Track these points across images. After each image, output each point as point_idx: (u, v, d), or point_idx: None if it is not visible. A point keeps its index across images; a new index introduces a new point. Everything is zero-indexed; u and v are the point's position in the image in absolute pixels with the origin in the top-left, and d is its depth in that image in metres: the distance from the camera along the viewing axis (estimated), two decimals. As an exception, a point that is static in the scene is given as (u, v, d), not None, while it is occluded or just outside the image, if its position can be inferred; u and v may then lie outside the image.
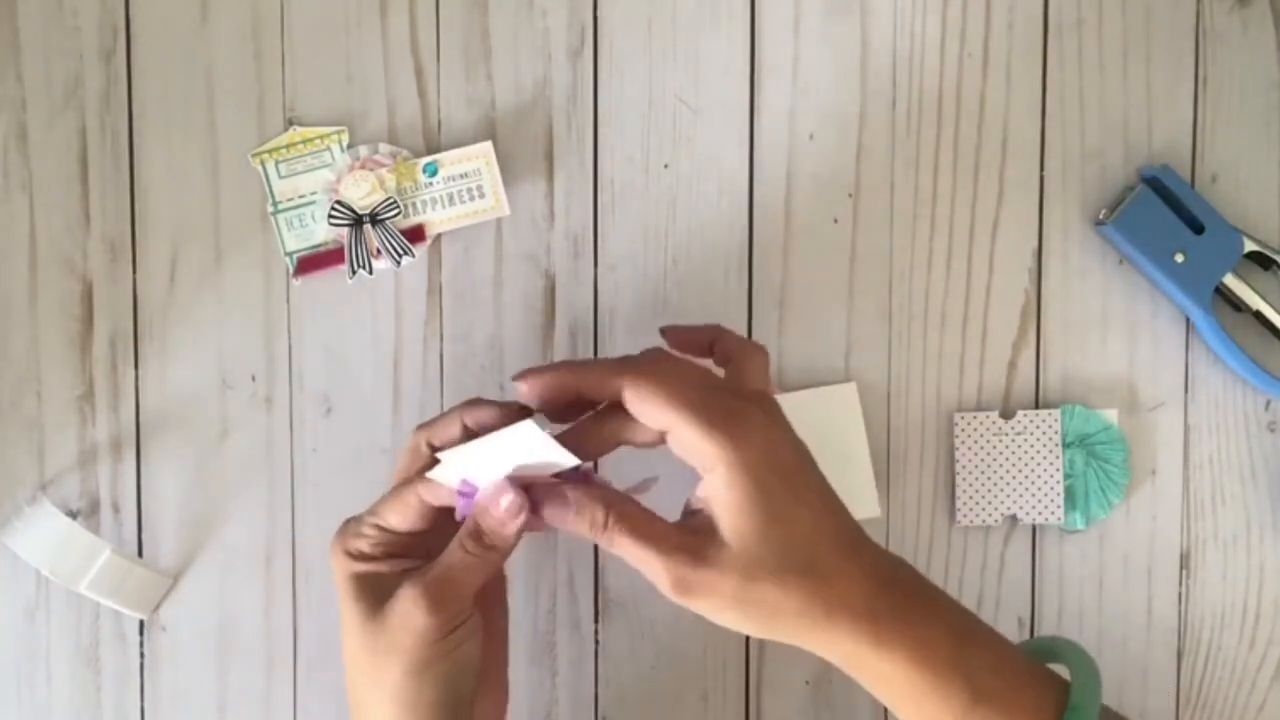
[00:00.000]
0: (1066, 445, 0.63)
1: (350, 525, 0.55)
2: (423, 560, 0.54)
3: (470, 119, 0.64)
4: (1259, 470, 0.64)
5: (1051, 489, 0.63)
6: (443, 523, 0.54)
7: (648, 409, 0.51)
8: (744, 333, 0.64)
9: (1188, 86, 0.64)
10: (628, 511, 0.51)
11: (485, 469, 0.52)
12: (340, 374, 0.64)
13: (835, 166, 0.64)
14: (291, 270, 0.64)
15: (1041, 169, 0.64)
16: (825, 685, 0.64)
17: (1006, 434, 0.63)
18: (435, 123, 0.64)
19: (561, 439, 0.52)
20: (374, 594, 0.53)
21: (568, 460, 0.52)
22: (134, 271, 0.64)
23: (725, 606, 0.50)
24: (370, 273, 0.63)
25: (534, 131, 0.64)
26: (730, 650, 0.64)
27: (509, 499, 0.52)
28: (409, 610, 0.52)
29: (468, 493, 0.53)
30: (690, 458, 0.51)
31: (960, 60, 0.64)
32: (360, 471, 0.64)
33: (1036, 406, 0.64)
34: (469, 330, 0.64)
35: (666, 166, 0.64)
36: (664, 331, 0.58)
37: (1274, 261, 0.62)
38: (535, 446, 0.51)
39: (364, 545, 0.54)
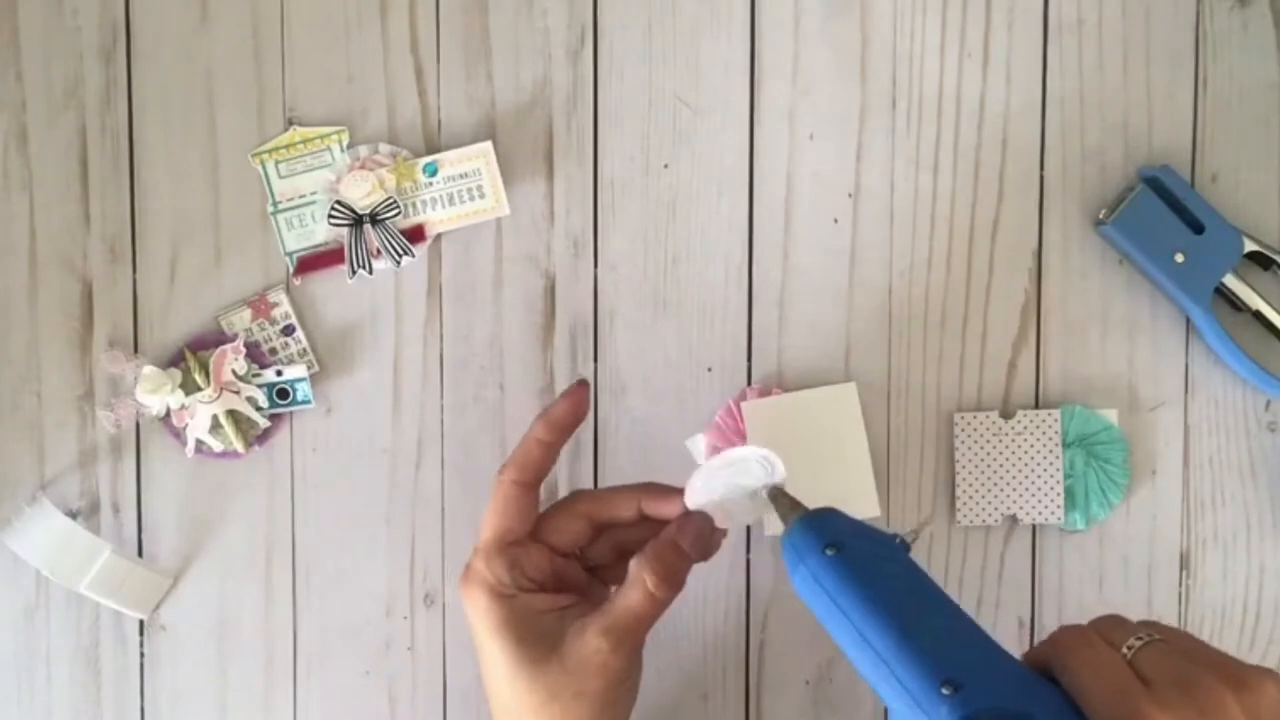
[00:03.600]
0: (1066, 445, 0.63)
1: (494, 559, 0.53)
2: (575, 594, 0.53)
3: (470, 119, 0.64)
4: (1259, 470, 0.64)
5: (1051, 489, 0.63)
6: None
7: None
8: (743, 332, 0.64)
9: (1188, 86, 0.64)
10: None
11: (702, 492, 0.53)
12: (340, 374, 0.64)
13: (835, 166, 0.64)
14: (291, 270, 0.64)
15: (1041, 169, 0.64)
16: (825, 685, 0.64)
17: (1006, 434, 0.63)
18: (435, 123, 0.64)
19: None
20: (537, 636, 0.51)
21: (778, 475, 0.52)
22: (134, 271, 0.64)
23: None
24: (370, 273, 0.63)
25: (534, 131, 0.64)
26: (730, 650, 0.64)
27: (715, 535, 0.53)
28: (602, 655, 0.50)
29: None
30: None
31: (960, 60, 0.64)
32: (360, 471, 0.64)
33: (1036, 406, 0.64)
34: (469, 330, 0.64)
35: (666, 166, 0.64)
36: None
37: (1274, 261, 0.62)
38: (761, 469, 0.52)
39: (522, 578, 0.52)
